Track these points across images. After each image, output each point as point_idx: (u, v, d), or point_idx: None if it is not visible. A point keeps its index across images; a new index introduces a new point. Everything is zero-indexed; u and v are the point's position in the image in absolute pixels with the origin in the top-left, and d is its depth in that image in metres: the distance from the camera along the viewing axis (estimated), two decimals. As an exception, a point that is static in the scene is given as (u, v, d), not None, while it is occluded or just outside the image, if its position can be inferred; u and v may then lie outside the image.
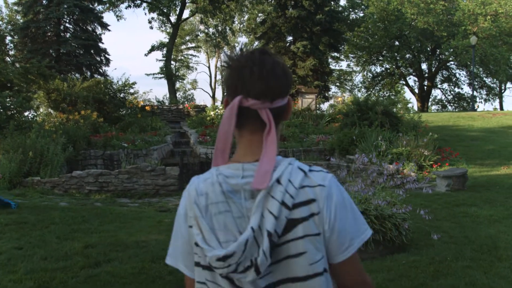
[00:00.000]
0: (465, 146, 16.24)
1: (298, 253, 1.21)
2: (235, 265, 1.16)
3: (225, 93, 1.39)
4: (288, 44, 29.03)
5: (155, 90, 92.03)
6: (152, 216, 8.52)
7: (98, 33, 26.85)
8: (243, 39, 68.94)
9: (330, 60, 33.61)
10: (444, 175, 10.30)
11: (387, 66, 45.84)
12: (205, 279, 1.26)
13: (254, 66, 1.25)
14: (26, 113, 19.31)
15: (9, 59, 25.88)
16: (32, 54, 22.33)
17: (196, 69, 61.46)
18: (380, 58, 45.06)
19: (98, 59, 26.32)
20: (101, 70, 26.31)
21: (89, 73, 25.45)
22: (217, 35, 34.33)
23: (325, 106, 28.77)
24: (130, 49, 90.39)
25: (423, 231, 6.63)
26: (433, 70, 43.91)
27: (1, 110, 14.45)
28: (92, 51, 25.88)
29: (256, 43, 37.84)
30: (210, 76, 52.53)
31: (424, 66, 44.29)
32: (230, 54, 1.30)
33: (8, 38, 29.66)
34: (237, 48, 1.32)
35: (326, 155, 16.69)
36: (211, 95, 51.78)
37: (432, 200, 8.92)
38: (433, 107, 49.70)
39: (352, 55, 45.11)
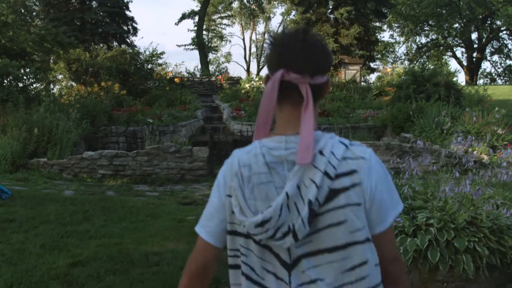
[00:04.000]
0: (537, 123, 13.78)
1: (338, 222, 1.23)
2: (273, 230, 1.20)
3: (266, 70, 1.41)
4: (330, 10, 26.54)
5: (187, 64, 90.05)
6: (172, 212, 6.72)
7: (125, 0, 24.96)
8: (279, 9, 66.36)
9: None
10: (542, 161, 8.10)
11: (433, 37, 42.70)
12: (240, 245, 1.30)
13: (296, 42, 1.28)
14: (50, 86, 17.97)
15: (34, 30, 24.47)
16: (54, 23, 20.72)
17: (230, 41, 59.32)
18: (426, 28, 41.97)
19: (125, 28, 24.40)
20: (128, 40, 24.41)
21: (115, 43, 23.73)
22: (252, 2, 31.97)
23: (371, 78, 26.45)
24: (161, 25, 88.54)
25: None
26: (483, 40, 40.54)
27: (13, 82, 12.87)
28: (118, 19, 24.10)
29: (294, 12, 35.47)
30: (245, 49, 50.21)
31: (473, 36, 41.04)
32: (274, 33, 1.35)
33: (34, 8, 28.30)
34: (281, 28, 1.47)
35: (377, 132, 14.75)
36: (246, 69, 49.64)
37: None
38: (480, 81, 46.40)
39: (396, 25, 42.24)
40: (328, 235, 1.22)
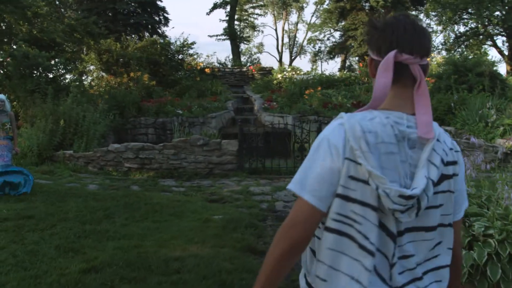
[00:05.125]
0: None
1: (438, 204, 1.33)
2: (413, 207, 1.25)
3: (367, 54, 1.45)
4: (365, -3, 25.66)
5: (219, 55, 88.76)
6: (197, 211, 6.31)
7: (156, -10, 24.63)
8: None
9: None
10: None
11: (473, 25, 40.90)
12: (352, 212, 1.28)
13: (406, 24, 1.34)
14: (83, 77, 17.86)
15: (66, 20, 24.46)
16: (86, 14, 20.60)
17: (262, 32, 58.80)
18: (465, 16, 40.21)
19: (156, 18, 24.15)
20: (159, 31, 24.16)
21: (146, 34, 23.50)
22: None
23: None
24: (193, 16, 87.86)
25: None
26: (526, 28, 38.55)
27: (42, 73, 12.71)
28: (150, 9, 23.85)
29: (328, 1, 34.56)
30: (277, 40, 49.54)
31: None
32: (375, 19, 1.39)
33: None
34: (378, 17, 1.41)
35: (415, 124, 14.04)
36: (278, 59, 48.95)
37: None
38: (521, 71, 44.27)
39: (433, 13, 40.67)
40: (428, 215, 1.31)
